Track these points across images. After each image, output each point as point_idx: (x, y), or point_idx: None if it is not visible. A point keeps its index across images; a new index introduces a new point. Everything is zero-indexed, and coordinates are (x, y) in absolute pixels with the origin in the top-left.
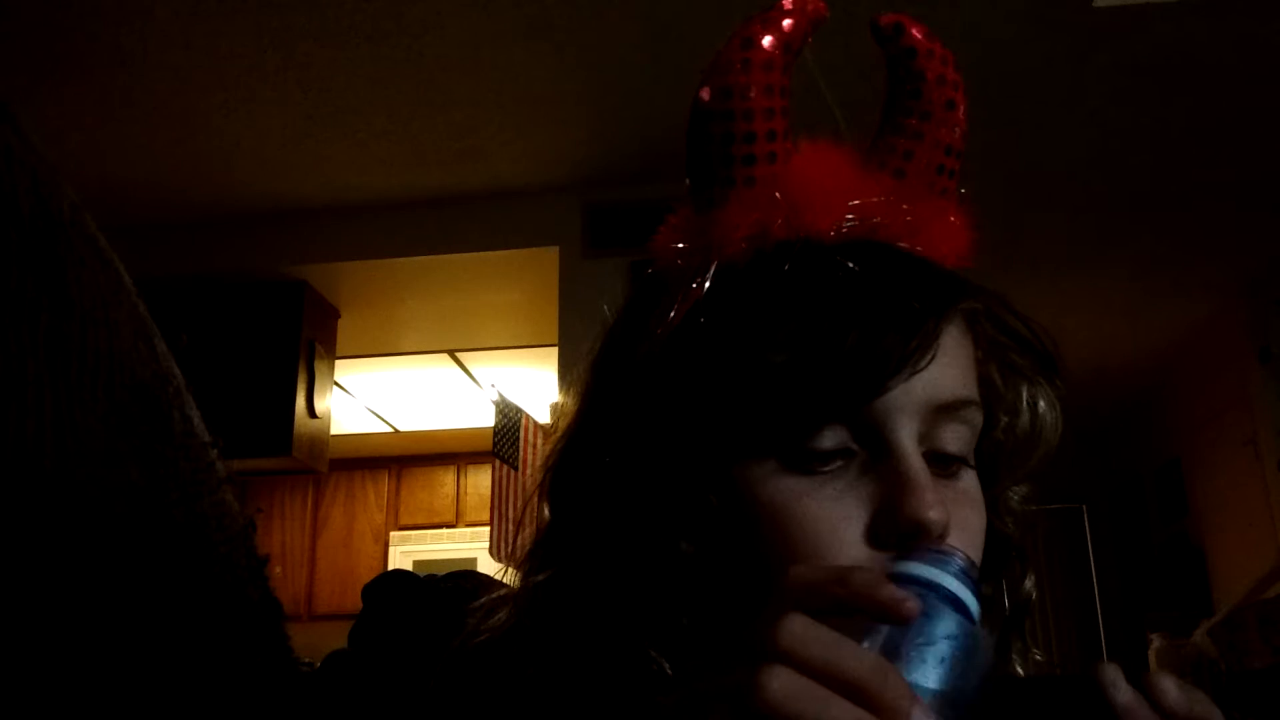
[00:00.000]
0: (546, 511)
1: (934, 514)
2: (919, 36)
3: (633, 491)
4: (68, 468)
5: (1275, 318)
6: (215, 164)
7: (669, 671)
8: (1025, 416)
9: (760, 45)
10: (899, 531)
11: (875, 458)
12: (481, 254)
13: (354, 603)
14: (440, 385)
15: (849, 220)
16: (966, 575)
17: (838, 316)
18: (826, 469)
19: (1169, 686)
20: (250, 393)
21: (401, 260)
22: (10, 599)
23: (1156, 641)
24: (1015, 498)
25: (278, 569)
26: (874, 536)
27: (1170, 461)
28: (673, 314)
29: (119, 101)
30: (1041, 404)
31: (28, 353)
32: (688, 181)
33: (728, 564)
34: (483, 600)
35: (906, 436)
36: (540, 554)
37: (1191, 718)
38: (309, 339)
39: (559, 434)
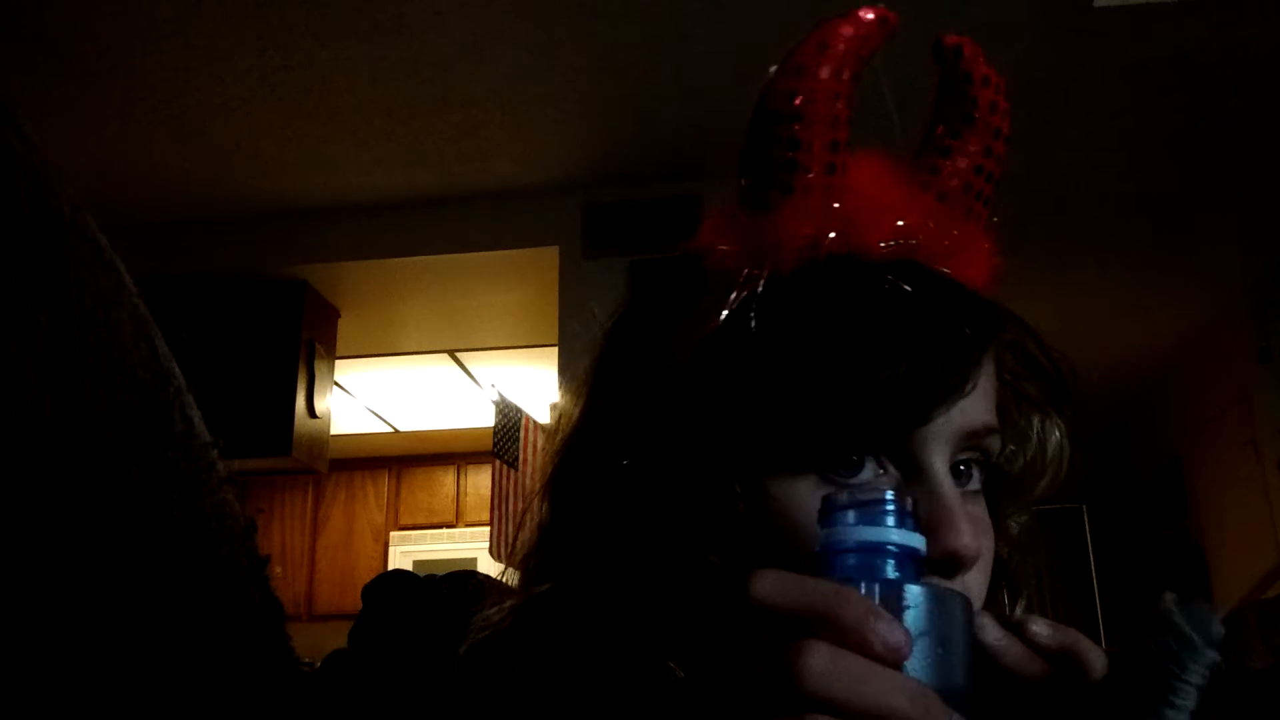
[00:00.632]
0: (548, 512)
1: (967, 541)
2: (979, 63)
3: (655, 498)
4: (68, 468)
5: (1275, 318)
6: (215, 164)
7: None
8: (1034, 445)
9: (836, 51)
10: (932, 557)
11: (907, 479)
12: (481, 254)
13: (354, 603)
14: (440, 385)
15: (895, 239)
16: (900, 512)
17: (890, 341)
18: (859, 486)
19: (1040, 628)
20: (250, 393)
21: (401, 260)
22: (10, 599)
23: None
24: (1015, 526)
25: (278, 569)
26: None
27: (1170, 461)
28: (722, 317)
29: (119, 101)
30: (1054, 434)
31: (28, 353)
32: (741, 181)
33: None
34: (487, 603)
35: (940, 463)
36: (543, 554)
37: (1061, 647)
38: (309, 339)
39: (564, 432)
